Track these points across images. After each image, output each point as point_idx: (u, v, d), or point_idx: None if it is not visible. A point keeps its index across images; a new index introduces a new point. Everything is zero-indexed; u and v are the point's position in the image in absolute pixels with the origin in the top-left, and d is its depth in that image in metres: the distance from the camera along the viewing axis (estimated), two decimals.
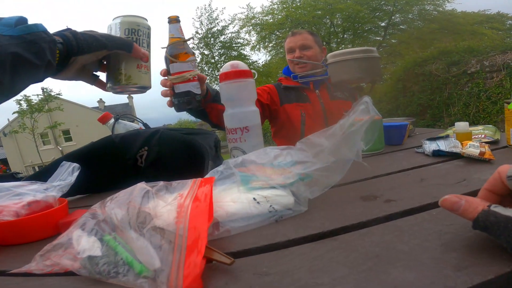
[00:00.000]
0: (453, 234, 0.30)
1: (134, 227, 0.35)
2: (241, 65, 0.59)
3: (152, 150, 0.69)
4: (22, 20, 0.43)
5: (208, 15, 14.10)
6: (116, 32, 0.57)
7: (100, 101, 23.79)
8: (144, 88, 0.60)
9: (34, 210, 0.45)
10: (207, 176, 0.44)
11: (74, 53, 0.48)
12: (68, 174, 0.53)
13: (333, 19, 10.21)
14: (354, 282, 0.25)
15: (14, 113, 13.62)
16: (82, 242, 0.34)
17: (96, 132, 19.17)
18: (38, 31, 0.43)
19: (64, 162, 0.54)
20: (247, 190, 0.42)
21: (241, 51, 14.18)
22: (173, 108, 0.72)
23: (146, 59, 0.58)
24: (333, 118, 1.24)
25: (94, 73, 0.59)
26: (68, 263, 0.33)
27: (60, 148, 18.69)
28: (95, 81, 0.59)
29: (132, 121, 0.78)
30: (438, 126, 5.48)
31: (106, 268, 0.31)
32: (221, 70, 0.59)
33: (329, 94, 1.27)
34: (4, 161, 19.00)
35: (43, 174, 0.65)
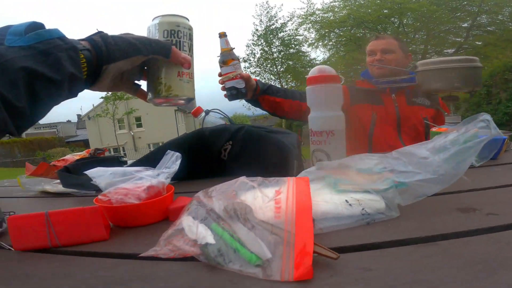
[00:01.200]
0: None
1: (241, 219, 0.40)
2: (329, 70, 0.61)
3: (236, 145, 0.75)
4: (34, 26, 0.36)
5: (267, 12, 14.24)
6: (154, 35, 0.51)
7: None
8: (187, 99, 0.54)
9: (150, 194, 0.50)
10: (300, 175, 0.48)
11: (105, 60, 0.41)
12: (172, 162, 0.61)
13: (403, 18, 9.47)
14: (464, 281, 0.26)
15: (101, 98, 15.67)
16: (199, 230, 0.38)
17: (162, 120, 20.95)
18: (52, 38, 0.36)
19: (168, 151, 0.62)
20: (337, 192, 0.45)
21: (299, 48, 14.05)
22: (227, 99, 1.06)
23: (188, 65, 0.50)
24: (408, 123, 1.22)
25: (136, 81, 0.54)
26: (188, 249, 0.36)
27: (132, 133, 20.88)
28: (137, 92, 0.54)
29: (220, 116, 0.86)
30: None
31: (222, 256, 0.34)
32: (308, 74, 0.61)
33: (407, 99, 1.24)
34: (86, 142, 21.94)
35: (145, 160, 0.76)
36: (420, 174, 0.39)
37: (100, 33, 0.42)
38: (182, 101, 0.54)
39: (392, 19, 9.75)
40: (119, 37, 0.43)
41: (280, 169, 0.62)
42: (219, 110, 0.80)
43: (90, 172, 0.50)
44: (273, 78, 14.78)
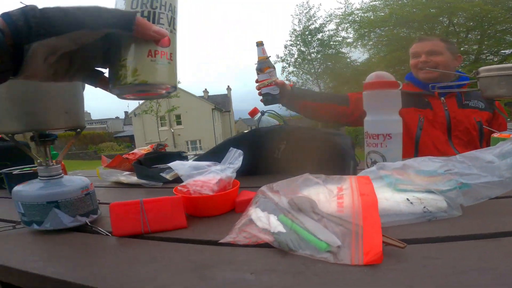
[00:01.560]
0: None
1: (306, 212, 0.44)
2: (387, 76, 0.63)
3: (290, 144, 0.80)
4: None
5: (306, 13, 14.06)
6: (120, 5, 0.37)
7: (205, 91, 26.74)
8: (162, 85, 0.37)
9: (220, 187, 0.56)
10: (360, 175, 0.51)
11: (23, 38, 0.30)
12: (235, 158, 0.67)
13: (453, 18, 8.82)
14: None
15: None
16: (271, 220, 0.44)
17: (199, 119, 21.66)
18: None
19: (231, 148, 0.69)
20: (397, 191, 0.48)
21: (339, 49, 13.71)
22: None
23: (166, 41, 0.36)
24: (459, 127, 1.16)
25: (97, 68, 0.39)
26: (263, 236, 0.41)
27: (172, 130, 21.92)
28: (97, 81, 0.39)
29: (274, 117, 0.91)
30: None
31: (293, 243, 0.39)
32: (366, 79, 0.64)
33: (458, 101, 1.18)
34: (131, 137, 23.43)
35: (210, 155, 0.84)
36: (485, 177, 0.40)
37: (26, 6, 0.31)
38: (159, 90, 0.38)
39: (441, 18, 9.14)
40: (54, 8, 0.31)
41: (335, 169, 0.66)
42: (274, 111, 0.85)
43: (172, 164, 0.58)
44: (311, 78, 14.59)
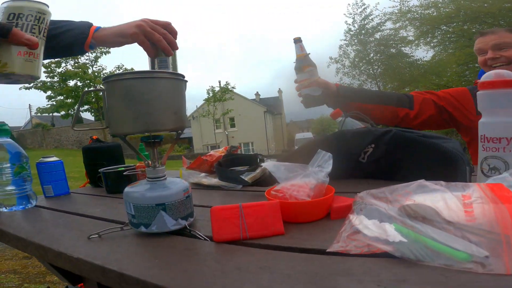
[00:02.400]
0: None
1: (426, 220, 0.39)
2: (507, 74, 0.55)
3: (378, 148, 0.74)
4: None
5: (361, 11, 13.36)
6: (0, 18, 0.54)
7: (257, 94, 27.23)
8: (28, 76, 0.56)
9: (315, 192, 0.54)
10: (489, 181, 0.45)
11: None
12: (325, 161, 0.64)
13: None
14: None
15: (204, 99, 17.72)
16: (387, 228, 0.40)
17: (252, 121, 22.08)
18: None
19: (319, 150, 0.65)
20: None
21: (400, 48, 12.73)
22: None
23: (34, 45, 0.54)
24: None
25: None
26: (380, 245, 0.38)
27: (227, 133, 22.76)
28: None
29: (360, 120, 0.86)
30: None
31: (420, 253, 0.35)
32: (482, 78, 0.56)
33: None
34: (190, 139, 24.92)
35: (292, 157, 0.82)
36: None
37: None
38: (22, 79, 0.56)
39: None
40: None
41: (440, 176, 0.58)
42: (358, 113, 0.80)
43: (268, 165, 0.58)
44: (369, 80, 13.82)
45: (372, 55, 13.73)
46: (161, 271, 0.40)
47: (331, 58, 14.54)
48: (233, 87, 17.87)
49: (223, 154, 1.08)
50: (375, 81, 13.50)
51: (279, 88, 28.34)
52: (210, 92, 17.33)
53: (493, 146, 0.54)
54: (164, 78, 0.51)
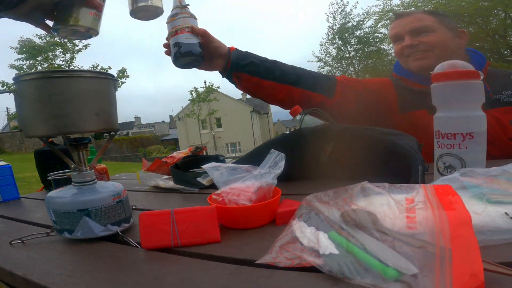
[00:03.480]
0: None
1: (365, 228, 0.35)
2: (462, 64, 0.51)
3: (338, 146, 0.70)
4: None
5: (341, 11, 13.57)
6: None
7: (243, 93, 27.21)
8: (91, 30, 0.60)
9: (259, 196, 0.49)
10: (436, 183, 0.41)
11: None
12: (276, 162, 0.60)
13: (509, 10, 7.91)
14: None
15: (189, 100, 17.56)
16: (321, 238, 0.36)
17: (238, 121, 22.06)
18: None
19: (272, 150, 0.61)
20: (490, 203, 0.37)
21: (379, 46, 13.01)
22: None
23: (101, 8, 0.61)
24: (490, 129, 0.76)
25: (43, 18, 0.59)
26: (309, 258, 0.34)
27: (213, 133, 22.60)
28: (40, 24, 0.59)
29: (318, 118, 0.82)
30: None
31: (348, 268, 0.31)
32: (435, 70, 0.53)
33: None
34: (176, 140, 24.65)
35: (249, 159, 0.78)
36: None
37: None
38: (88, 31, 0.60)
39: (495, 11, 8.26)
40: None
41: (397, 175, 0.55)
42: (319, 109, 0.76)
43: (206, 167, 0.52)
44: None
45: (352, 53, 13.92)
46: (68, 279, 0.37)
47: (313, 54, 14.67)
48: (217, 87, 17.70)
49: (185, 155, 1.02)
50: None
51: None
52: (193, 93, 17.11)
53: (448, 142, 0.51)
54: (82, 77, 0.47)
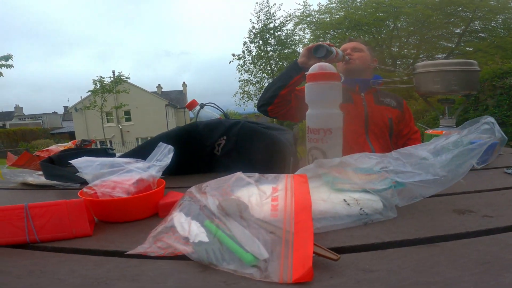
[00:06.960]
0: None
1: (236, 217, 0.38)
2: (329, 67, 0.60)
3: (230, 140, 0.73)
4: None
5: (266, 11, 14.24)
6: None
7: (159, 86, 25.61)
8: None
9: (139, 188, 0.48)
10: (297, 173, 0.46)
11: None
12: (164, 155, 0.58)
13: (397, 22, 9.69)
14: (470, 283, 0.25)
15: (88, 91, 15.29)
16: (192, 227, 0.37)
17: (151, 115, 20.65)
18: None
19: (160, 143, 0.60)
20: (335, 191, 0.44)
21: (295, 48, 14.11)
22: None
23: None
24: (374, 122, 1.24)
25: None
26: (180, 247, 0.34)
27: (120, 127, 20.50)
28: None
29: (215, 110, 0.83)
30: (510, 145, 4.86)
31: (215, 255, 0.32)
32: (309, 70, 0.60)
33: (375, 98, 1.27)
34: (71, 134, 21.41)
35: (138, 152, 0.73)
36: (420, 175, 0.38)
37: None
38: None
39: (387, 22, 9.95)
40: None
41: (276, 166, 0.61)
42: (214, 104, 0.78)
43: (75, 162, 0.47)
44: (267, 77, 14.75)
45: (270, 53, 14.70)
46: None
47: (233, 54, 14.88)
48: (127, 77, 16.00)
49: (66, 148, 0.90)
50: (272, 79, 14.55)
51: (184, 82, 27.26)
52: (97, 82, 15.05)
53: (314, 137, 0.59)
54: None
